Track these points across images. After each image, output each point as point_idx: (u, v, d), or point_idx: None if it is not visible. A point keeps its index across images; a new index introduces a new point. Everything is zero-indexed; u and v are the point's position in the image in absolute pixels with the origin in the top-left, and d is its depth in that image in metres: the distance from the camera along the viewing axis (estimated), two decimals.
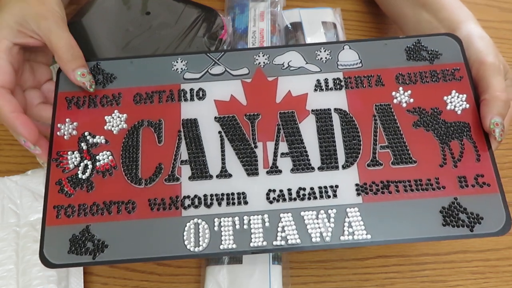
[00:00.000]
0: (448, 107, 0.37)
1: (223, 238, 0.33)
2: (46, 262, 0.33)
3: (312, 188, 0.35)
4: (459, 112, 0.37)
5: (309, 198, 0.34)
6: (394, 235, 0.33)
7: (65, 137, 0.37)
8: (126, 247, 0.33)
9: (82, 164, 0.36)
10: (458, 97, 0.37)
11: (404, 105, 0.37)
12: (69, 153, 0.36)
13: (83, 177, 0.35)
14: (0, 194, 0.41)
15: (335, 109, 0.37)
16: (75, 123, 0.37)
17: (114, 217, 0.34)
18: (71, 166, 0.36)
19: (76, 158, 0.36)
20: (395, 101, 0.37)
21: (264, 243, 0.33)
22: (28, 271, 0.37)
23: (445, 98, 0.37)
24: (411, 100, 0.37)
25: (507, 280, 0.43)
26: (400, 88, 0.38)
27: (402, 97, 0.37)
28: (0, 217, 0.40)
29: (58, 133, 0.37)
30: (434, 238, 0.33)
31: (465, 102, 0.37)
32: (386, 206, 0.34)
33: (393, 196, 0.34)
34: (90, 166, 0.36)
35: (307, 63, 0.39)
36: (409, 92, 0.38)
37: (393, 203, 0.34)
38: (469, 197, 0.34)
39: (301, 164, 0.36)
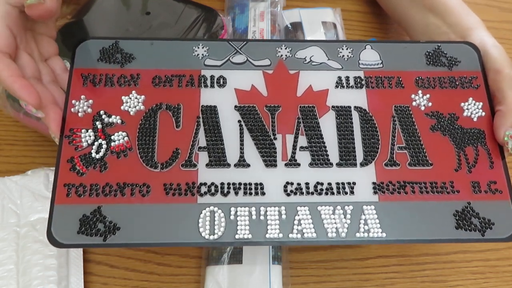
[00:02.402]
0: (465, 114, 0.38)
1: (238, 227, 0.33)
2: (54, 241, 0.32)
3: (329, 184, 0.35)
4: (475, 119, 0.38)
5: (326, 193, 0.34)
6: (408, 235, 0.33)
7: (79, 114, 0.36)
8: (139, 231, 0.32)
9: (96, 143, 0.35)
10: (474, 104, 0.38)
11: (423, 108, 0.38)
12: (83, 131, 0.35)
13: (97, 156, 0.34)
14: (0, 194, 0.41)
15: (355, 107, 0.38)
16: (90, 101, 0.36)
17: (128, 200, 0.33)
18: (84, 144, 0.35)
19: (90, 136, 0.35)
20: (414, 103, 0.38)
21: (280, 235, 0.33)
22: (28, 271, 0.37)
23: (462, 104, 0.38)
24: (430, 104, 0.38)
25: (507, 280, 0.43)
26: (419, 91, 0.38)
27: (421, 100, 0.38)
28: (0, 217, 0.40)
29: (72, 109, 0.36)
30: (446, 240, 0.34)
31: (481, 110, 0.38)
32: (401, 206, 0.34)
33: (408, 197, 0.34)
34: (104, 146, 0.35)
35: (329, 59, 0.40)
36: (428, 96, 0.38)
37: (408, 203, 0.34)
38: (482, 202, 0.34)
39: (319, 159, 0.36)
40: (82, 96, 0.36)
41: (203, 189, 0.34)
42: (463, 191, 0.35)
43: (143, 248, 0.41)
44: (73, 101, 0.36)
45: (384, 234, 0.33)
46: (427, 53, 0.40)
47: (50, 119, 0.34)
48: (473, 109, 0.38)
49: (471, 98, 0.38)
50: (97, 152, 0.34)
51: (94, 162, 0.34)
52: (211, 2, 0.51)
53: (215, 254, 0.40)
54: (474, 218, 0.34)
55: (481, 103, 0.38)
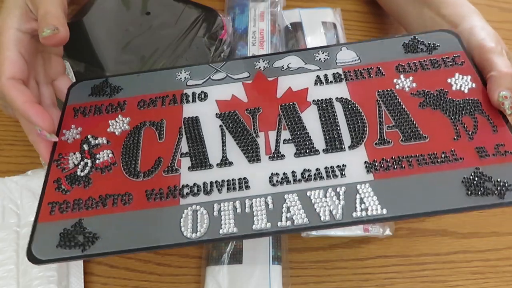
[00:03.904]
0: (454, 88, 0.36)
1: (223, 222, 0.31)
2: (32, 258, 0.31)
3: (318, 169, 0.33)
4: (466, 91, 0.36)
5: (315, 179, 0.33)
6: (414, 209, 0.30)
7: (68, 141, 0.37)
8: (119, 239, 0.31)
9: (82, 163, 0.35)
10: (462, 78, 0.37)
11: (407, 89, 0.37)
12: (70, 154, 0.36)
13: (82, 174, 0.35)
14: (0, 194, 0.41)
15: (337, 98, 0.37)
16: (79, 128, 0.37)
17: (109, 210, 0.33)
18: (71, 165, 0.35)
19: (77, 158, 0.36)
20: (397, 87, 0.37)
21: (268, 224, 0.31)
22: (29, 272, 0.37)
23: (449, 80, 0.37)
24: (414, 84, 0.37)
25: (507, 280, 0.43)
26: (401, 76, 0.38)
27: (405, 83, 0.37)
28: (1, 218, 0.40)
29: (62, 137, 0.37)
30: (460, 210, 0.30)
31: (470, 82, 0.36)
32: (400, 181, 0.32)
33: (407, 171, 0.32)
34: (89, 164, 0.35)
35: (306, 63, 0.40)
36: (411, 78, 0.37)
37: (408, 177, 0.32)
38: (493, 166, 0.32)
39: (304, 148, 0.34)
40: (73, 126, 0.38)
41: (185, 190, 0.33)
42: (468, 158, 0.32)
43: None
44: (64, 131, 0.37)
45: (384, 211, 0.30)
46: (404, 44, 0.40)
47: (42, 147, 0.36)
48: (461, 82, 0.36)
49: (457, 73, 0.37)
50: (82, 171, 0.35)
51: (78, 179, 0.34)
52: (211, 2, 0.51)
53: (215, 254, 0.40)
54: (487, 182, 0.31)
55: (469, 76, 0.37)
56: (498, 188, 0.30)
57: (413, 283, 0.42)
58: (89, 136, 0.37)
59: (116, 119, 0.38)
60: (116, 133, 0.37)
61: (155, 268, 0.41)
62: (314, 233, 0.41)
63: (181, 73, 0.41)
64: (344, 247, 0.43)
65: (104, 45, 0.46)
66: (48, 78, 0.39)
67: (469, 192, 0.30)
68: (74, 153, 0.36)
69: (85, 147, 0.36)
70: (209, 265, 0.40)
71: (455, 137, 0.34)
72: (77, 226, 0.32)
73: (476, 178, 0.31)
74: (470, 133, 0.34)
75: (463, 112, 0.35)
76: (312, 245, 0.43)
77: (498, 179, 0.31)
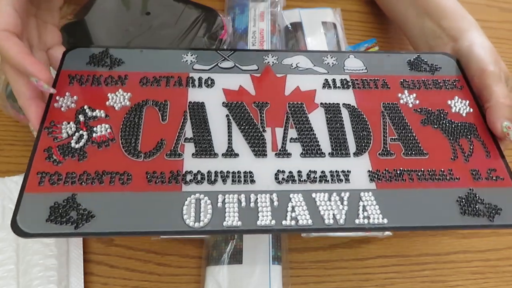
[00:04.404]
0: (453, 110, 0.38)
1: (227, 214, 0.30)
2: (17, 230, 0.28)
3: (323, 172, 0.33)
4: (464, 114, 0.38)
5: (320, 181, 0.33)
6: (412, 222, 0.31)
7: (62, 109, 0.35)
8: (116, 219, 0.30)
9: (77, 134, 0.33)
10: (461, 102, 0.39)
11: (410, 105, 0.38)
12: (64, 123, 0.34)
13: (76, 146, 0.33)
14: (0, 194, 0.41)
15: (344, 104, 0.38)
16: (75, 97, 0.35)
17: (106, 188, 0.31)
18: (64, 135, 0.33)
19: (71, 128, 0.33)
20: (401, 101, 0.38)
21: (273, 222, 0.30)
22: (29, 271, 0.37)
23: (449, 102, 0.39)
24: (417, 101, 0.39)
25: (507, 280, 0.43)
26: (406, 91, 0.39)
27: (408, 98, 0.39)
28: (1, 218, 0.40)
29: (55, 104, 0.35)
30: (453, 227, 0.33)
31: (468, 107, 0.39)
32: (401, 193, 0.33)
33: (407, 184, 0.33)
34: (85, 137, 0.33)
35: (314, 65, 0.41)
36: (414, 95, 0.39)
37: (408, 190, 0.33)
38: (485, 189, 0.34)
39: (311, 149, 0.35)
40: (67, 93, 0.36)
41: (189, 177, 0.32)
42: (464, 178, 0.34)
43: (143, 248, 0.41)
44: (57, 97, 0.35)
45: (385, 220, 0.31)
46: (408, 61, 0.42)
47: (33, 111, 0.34)
48: (460, 106, 0.39)
49: (456, 97, 0.39)
50: (76, 142, 0.33)
51: (72, 151, 0.32)
52: (211, 2, 0.51)
53: (215, 254, 0.40)
54: (479, 204, 0.33)
55: (467, 101, 0.39)
56: (489, 210, 0.32)
57: (413, 283, 0.42)
58: (85, 107, 0.35)
59: (116, 93, 0.36)
60: (116, 108, 0.35)
61: (155, 268, 0.41)
62: (314, 233, 0.41)
63: (187, 55, 0.39)
64: (344, 247, 0.43)
65: (104, 45, 0.46)
66: (42, 45, 0.38)
67: (462, 212, 0.32)
68: (68, 123, 0.34)
69: (81, 118, 0.34)
70: (209, 265, 0.40)
71: (452, 157, 0.35)
72: (70, 201, 0.30)
73: (470, 199, 0.33)
74: (466, 155, 0.36)
75: (461, 135, 0.37)
76: (312, 245, 0.43)
77: (490, 202, 0.33)
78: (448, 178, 0.34)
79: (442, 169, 0.34)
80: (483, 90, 0.39)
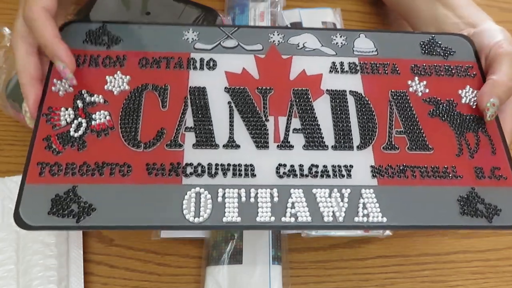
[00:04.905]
0: (463, 101, 0.37)
1: (226, 210, 0.30)
2: (21, 223, 0.29)
3: (325, 166, 0.33)
4: (474, 106, 0.37)
5: (321, 176, 0.32)
6: (410, 221, 0.31)
7: (60, 93, 0.34)
8: (116, 213, 0.30)
9: (75, 121, 0.33)
10: (472, 92, 0.38)
11: (420, 94, 0.37)
12: (62, 109, 0.33)
13: (75, 135, 0.32)
14: (0, 194, 0.41)
15: (350, 91, 0.37)
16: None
17: (106, 180, 0.31)
18: (63, 123, 0.33)
19: (69, 115, 0.33)
20: (410, 89, 0.37)
21: (272, 218, 0.30)
22: (29, 272, 0.37)
23: (459, 92, 0.38)
24: (427, 90, 0.37)
25: (507, 280, 0.43)
26: (416, 78, 0.38)
27: (418, 86, 0.37)
28: (1, 218, 0.40)
29: (53, 88, 0.34)
30: (452, 227, 0.33)
31: None
32: (402, 190, 0.33)
33: (409, 181, 0.33)
34: (84, 125, 0.33)
35: (322, 45, 0.39)
36: (425, 82, 0.38)
37: (409, 188, 0.33)
38: (486, 188, 0.33)
39: (314, 141, 0.34)
40: None
41: (189, 169, 0.32)
42: (466, 176, 0.34)
43: (143, 248, 0.41)
44: (54, 80, 0.34)
45: (384, 219, 0.31)
46: (421, 43, 0.40)
47: (32, 93, 0.33)
48: (471, 96, 0.37)
49: (468, 86, 0.38)
50: (75, 131, 0.32)
51: (71, 140, 0.32)
52: (211, 2, 0.51)
53: (215, 254, 0.40)
54: (479, 204, 0.32)
55: (478, 92, 0.38)
56: (488, 211, 0.32)
57: (413, 283, 0.42)
58: (83, 91, 0.34)
59: (115, 75, 0.35)
60: (115, 93, 0.34)
61: (155, 268, 0.41)
62: (314, 233, 0.41)
63: (188, 32, 0.38)
64: (344, 247, 0.43)
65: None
66: None
67: (462, 212, 0.32)
68: (67, 109, 0.33)
69: (79, 104, 0.33)
70: (209, 265, 0.40)
71: (457, 153, 0.35)
72: (71, 194, 0.30)
73: (470, 198, 0.32)
74: (471, 151, 0.35)
75: (468, 129, 0.36)
76: (312, 245, 0.43)
77: (490, 203, 0.32)
78: (451, 175, 0.33)
79: (446, 166, 0.34)
80: (493, 62, 0.38)
